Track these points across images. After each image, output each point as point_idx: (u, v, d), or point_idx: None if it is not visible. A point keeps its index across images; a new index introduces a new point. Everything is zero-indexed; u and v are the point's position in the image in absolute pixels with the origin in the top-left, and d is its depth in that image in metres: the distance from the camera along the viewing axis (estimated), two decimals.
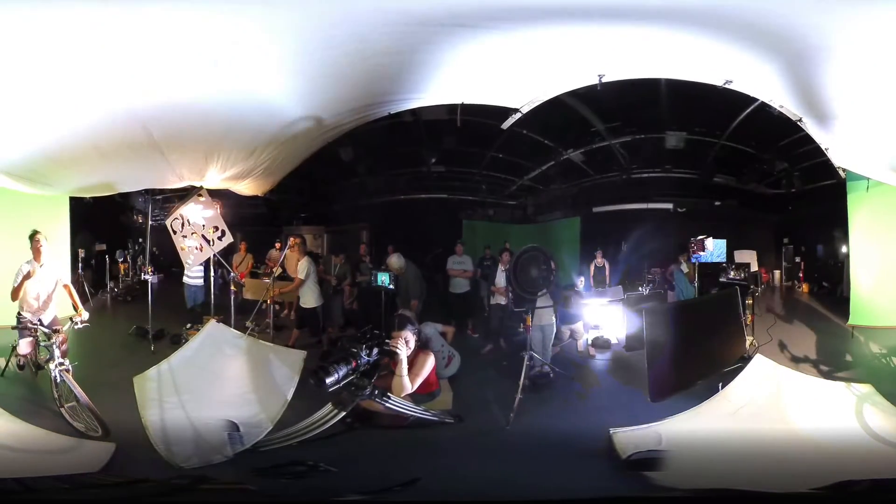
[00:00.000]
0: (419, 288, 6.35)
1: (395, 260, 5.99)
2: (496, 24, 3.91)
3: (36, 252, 4.49)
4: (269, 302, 6.37)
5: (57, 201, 6.07)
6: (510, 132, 6.95)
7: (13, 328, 4.34)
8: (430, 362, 3.99)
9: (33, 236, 4.53)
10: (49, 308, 4.58)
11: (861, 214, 6.51)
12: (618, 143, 8.47)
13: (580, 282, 6.90)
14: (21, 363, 4.65)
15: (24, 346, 4.39)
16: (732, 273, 6.30)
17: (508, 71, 5.03)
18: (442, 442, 3.84)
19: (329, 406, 3.47)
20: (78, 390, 3.82)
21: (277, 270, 6.61)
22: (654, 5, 3.58)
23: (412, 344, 3.85)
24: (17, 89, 3.56)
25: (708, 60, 4.61)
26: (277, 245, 8.17)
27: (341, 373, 3.21)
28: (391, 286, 6.18)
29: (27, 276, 4.38)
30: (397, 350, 3.69)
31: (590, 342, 6.40)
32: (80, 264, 7.48)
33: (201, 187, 6.26)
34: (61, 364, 3.99)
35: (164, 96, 4.11)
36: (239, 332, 5.32)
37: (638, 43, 4.31)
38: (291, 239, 6.39)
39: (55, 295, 4.60)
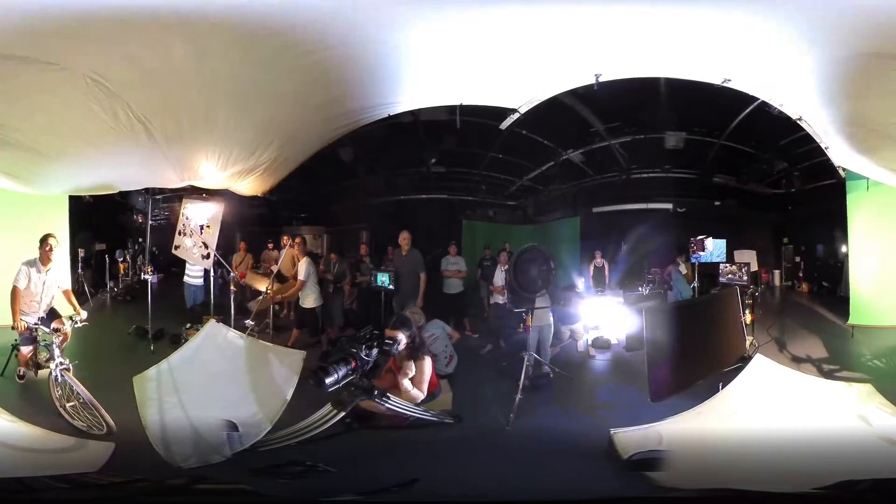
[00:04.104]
0: (423, 267, 6.40)
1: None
2: (494, 25, 3.91)
3: (45, 257, 4.36)
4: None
5: (56, 200, 6.05)
6: (509, 132, 6.95)
7: (13, 328, 4.26)
8: (428, 366, 3.97)
9: (45, 240, 4.37)
10: (49, 310, 4.54)
11: (861, 214, 6.50)
12: (617, 144, 8.46)
13: (580, 282, 6.90)
14: (21, 373, 4.55)
15: (26, 349, 4.34)
16: (730, 276, 6.29)
17: (506, 71, 5.03)
18: (442, 442, 3.84)
19: (328, 406, 3.46)
20: (81, 388, 3.81)
21: (275, 268, 6.61)
22: (653, 4, 3.58)
23: (403, 345, 3.78)
24: (16, 88, 3.56)
25: (706, 58, 4.61)
26: (270, 245, 8.17)
27: (341, 373, 3.19)
28: (391, 286, 6.19)
29: (26, 284, 4.25)
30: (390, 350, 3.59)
31: (590, 342, 6.39)
32: (79, 264, 7.47)
33: (202, 192, 6.28)
34: (62, 363, 3.99)
35: (165, 94, 4.12)
36: (239, 332, 5.31)
37: (635, 41, 4.31)
38: (284, 238, 6.38)
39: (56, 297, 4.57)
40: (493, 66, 4.81)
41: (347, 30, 3.76)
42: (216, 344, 4.95)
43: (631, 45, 4.38)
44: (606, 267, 7.66)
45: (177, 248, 6.55)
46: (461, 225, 9.37)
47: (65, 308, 4.63)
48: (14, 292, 4.24)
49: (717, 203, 8.62)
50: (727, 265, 6.49)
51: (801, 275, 8.96)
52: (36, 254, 4.43)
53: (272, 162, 6.30)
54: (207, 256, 6.43)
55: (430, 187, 9.30)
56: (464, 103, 5.96)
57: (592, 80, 5.24)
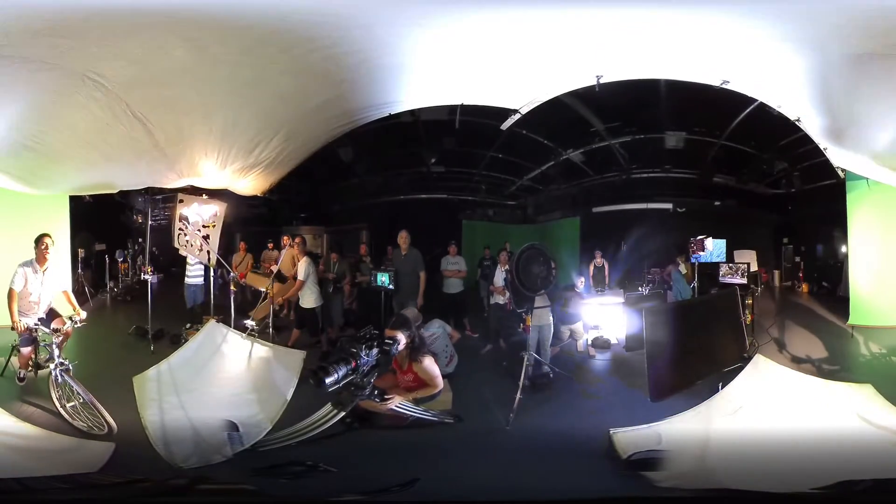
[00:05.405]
0: (423, 267, 6.38)
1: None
2: (496, 25, 3.91)
3: (41, 257, 4.35)
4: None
5: (57, 201, 6.05)
6: (510, 132, 6.95)
7: (12, 329, 4.25)
8: (433, 363, 3.96)
9: (40, 240, 4.36)
10: (49, 310, 4.53)
11: (860, 214, 6.50)
12: (617, 143, 8.47)
13: (580, 282, 6.90)
14: (22, 375, 4.53)
15: (26, 350, 4.34)
16: (729, 278, 6.29)
17: (508, 72, 5.03)
18: (442, 442, 3.84)
19: (328, 406, 3.47)
20: (81, 389, 3.81)
21: (274, 268, 6.61)
22: (654, 5, 3.58)
23: (403, 345, 3.78)
24: (16, 86, 3.56)
25: (705, 60, 4.62)
26: (270, 245, 8.18)
27: (341, 373, 3.19)
28: (391, 286, 6.18)
29: (23, 285, 4.24)
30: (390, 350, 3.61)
31: (590, 342, 6.39)
32: (79, 264, 7.47)
33: (177, 193, 6.26)
34: (62, 364, 3.99)
35: (164, 93, 4.12)
36: (239, 332, 5.31)
37: (637, 43, 4.31)
38: (284, 238, 6.36)
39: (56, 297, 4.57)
40: (496, 67, 4.81)
41: (348, 28, 3.75)
42: (216, 344, 4.95)
43: (632, 46, 4.38)
44: (606, 267, 7.66)
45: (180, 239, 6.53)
46: (461, 225, 9.38)
47: (64, 308, 4.62)
48: (10, 294, 4.24)
49: (717, 203, 8.62)
50: (727, 265, 6.49)
51: (800, 275, 8.96)
52: (34, 254, 4.41)
53: (271, 161, 6.30)
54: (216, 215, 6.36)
55: (430, 187, 9.31)
56: (465, 103, 5.95)
57: (593, 82, 5.24)
